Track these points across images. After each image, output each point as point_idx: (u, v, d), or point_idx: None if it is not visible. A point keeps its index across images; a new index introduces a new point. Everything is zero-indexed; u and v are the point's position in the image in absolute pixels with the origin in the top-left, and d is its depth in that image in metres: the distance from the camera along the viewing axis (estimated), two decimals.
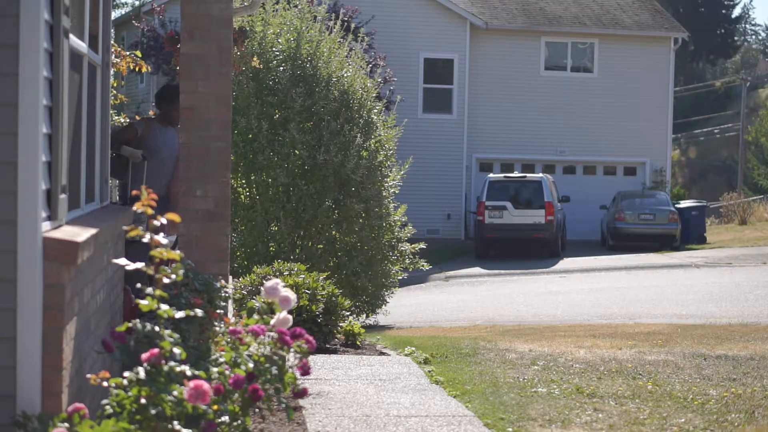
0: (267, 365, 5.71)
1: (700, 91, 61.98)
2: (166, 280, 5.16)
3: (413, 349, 10.32)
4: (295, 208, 15.61)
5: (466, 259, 30.64)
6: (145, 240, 5.19)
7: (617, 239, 32.93)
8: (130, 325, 5.12)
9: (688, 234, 33.37)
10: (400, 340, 11.71)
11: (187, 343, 5.61)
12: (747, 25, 76.93)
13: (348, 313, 11.11)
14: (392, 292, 16.22)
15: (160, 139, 8.77)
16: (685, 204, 35.06)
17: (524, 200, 30.29)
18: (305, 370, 5.93)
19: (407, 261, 16.23)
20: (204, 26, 8.61)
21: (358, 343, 10.69)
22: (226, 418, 4.94)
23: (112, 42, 7.91)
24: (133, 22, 30.42)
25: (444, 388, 8.13)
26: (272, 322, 6.08)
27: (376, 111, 16.41)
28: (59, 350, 4.72)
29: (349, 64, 16.48)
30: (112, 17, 8.41)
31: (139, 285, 5.02)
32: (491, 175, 32.09)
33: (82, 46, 6.18)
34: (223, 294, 7.03)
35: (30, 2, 4.70)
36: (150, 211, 5.20)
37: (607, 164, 37.23)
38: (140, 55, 15.34)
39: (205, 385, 4.61)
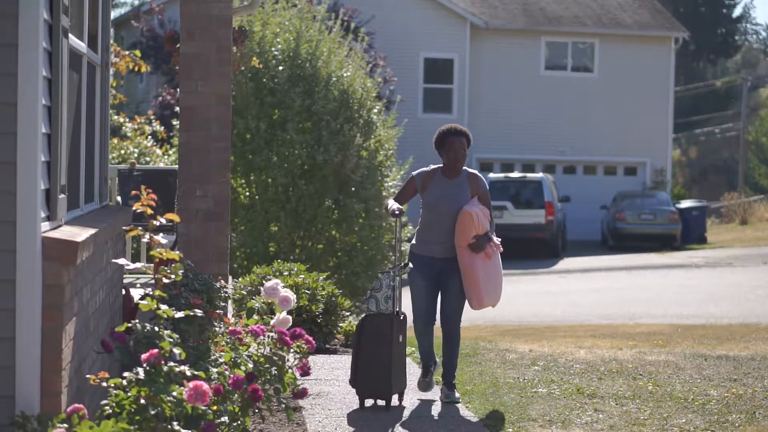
0: (267, 366, 5.70)
1: (701, 90, 61.95)
2: (165, 280, 5.15)
3: (413, 349, 10.30)
4: (295, 208, 15.60)
5: None
6: (145, 240, 5.18)
7: (618, 239, 32.91)
8: (129, 325, 5.11)
9: (688, 234, 33.34)
10: None
11: (187, 344, 5.60)
12: (748, 25, 76.78)
13: (348, 314, 11.09)
14: None
15: (437, 193, 7.63)
16: (685, 204, 35.03)
17: (524, 200, 30.27)
18: (305, 371, 5.93)
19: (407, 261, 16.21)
20: (204, 26, 8.60)
21: None
22: (225, 419, 4.93)
23: (111, 42, 7.90)
24: (132, 22, 30.39)
25: None
26: (272, 322, 6.08)
27: (375, 111, 16.40)
28: (58, 350, 4.71)
29: (349, 64, 16.47)
30: (112, 17, 8.39)
31: None
32: (491, 175, 32.07)
33: (81, 45, 6.17)
34: (222, 294, 7.02)
35: (29, 2, 4.69)
36: (150, 211, 5.19)
37: (607, 164, 37.22)
38: (139, 55, 15.33)
39: (205, 386, 4.60)
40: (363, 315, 7.66)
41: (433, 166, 7.76)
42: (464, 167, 7.73)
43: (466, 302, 7.74)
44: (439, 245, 7.68)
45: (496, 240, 7.67)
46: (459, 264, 7.58)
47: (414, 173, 7.80)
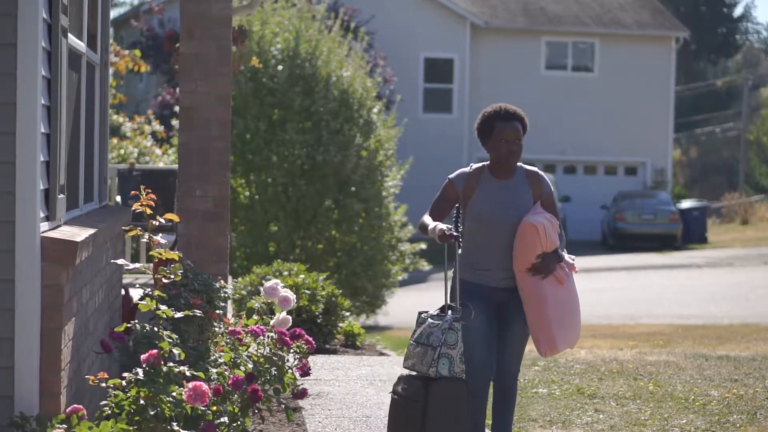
0: (267, 366, 5.69)
1: (702, 90, 61.93)
2: (165, 281, 5.14)
3: None
4: (295, 208, 15.60)
5: None
6: (144, 240, 5.17)
7: (618, 239, 32.90)
8: (128, 325, 5.10)
9: (689, 234, 33.33)
10: (400, 340, 11.68)
11: (187, 344, 5.59)
12: (749, 24, 76.72)
13: (348, 314, 11.07)
14: (392, 292, 16.19)
15: (489, 200, 5.65)
16: (686, 204, 35.02)
17: None
18: (305, 371, 5.92)
19: (407, 261, 16.22)
20: (203, 26, 8.59)
21: (358, 343, 10.66)
22: (225, 419, 4.92)
23: (111, 41, 7.89)
24: (132, 22, 30.41)
25: None
26: (272, 322, 6.06)
27: (375, 111, 16.39)
28: (57, 351, 4.70)
29: (349, 64, 16.46)
30: (111, 17, 8.38)
31: None
32: None
33: (80, 45, 6.16)
34: (222, 294, 7.01)
35: (28, 1, 4.68)
36: (149, 211, 5.18)
37: (607, 164, 37.21)
38: (139, 55, 15.33)
39: (204, 386, 4.59)
40: (416, 375, 5.49)
41: (475, 165, 5.78)
42: (520, 164, 5.74)
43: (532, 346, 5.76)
44: (498, 271, 5.66)
45: (569, 258, 5.69)
46: (521, 295, 5.58)
47: (451, 176, 5.84)
